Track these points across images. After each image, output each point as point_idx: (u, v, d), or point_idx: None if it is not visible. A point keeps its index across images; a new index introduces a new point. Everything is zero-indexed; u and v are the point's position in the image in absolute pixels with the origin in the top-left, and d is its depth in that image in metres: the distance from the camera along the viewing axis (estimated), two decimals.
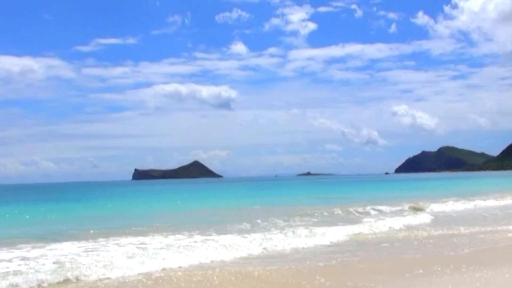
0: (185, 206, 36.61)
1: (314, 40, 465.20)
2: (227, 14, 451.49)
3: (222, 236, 16.75)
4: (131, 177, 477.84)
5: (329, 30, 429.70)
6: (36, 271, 11.32)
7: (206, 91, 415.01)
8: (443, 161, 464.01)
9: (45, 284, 10.59)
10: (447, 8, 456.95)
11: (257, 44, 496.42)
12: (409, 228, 19.32)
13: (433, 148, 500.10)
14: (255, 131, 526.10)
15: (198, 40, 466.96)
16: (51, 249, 14.87)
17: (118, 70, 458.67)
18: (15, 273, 11.23)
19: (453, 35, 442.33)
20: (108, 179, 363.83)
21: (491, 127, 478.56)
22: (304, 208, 29.61)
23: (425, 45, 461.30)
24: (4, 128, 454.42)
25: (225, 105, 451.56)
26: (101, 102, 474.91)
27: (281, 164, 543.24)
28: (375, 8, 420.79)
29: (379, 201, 33.47)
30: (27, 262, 12.67)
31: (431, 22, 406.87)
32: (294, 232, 17.32)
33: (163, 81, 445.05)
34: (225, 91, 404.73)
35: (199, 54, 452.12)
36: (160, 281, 10.91)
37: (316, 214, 25.47)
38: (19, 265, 12.41)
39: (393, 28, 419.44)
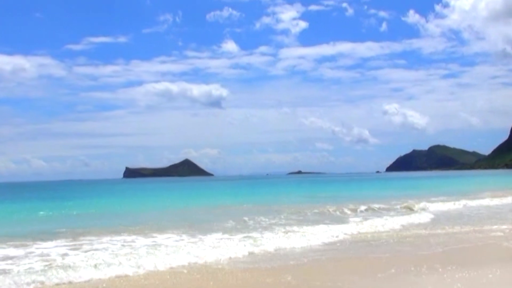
0: (173, 205, 36.48)
1: (305, 38, 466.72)
2: (218, 12, 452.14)
3: (208, 236, 16.72)
4: (122, 176, 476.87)
5: (320, 28, 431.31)
6: (25, 271, 11.26)
7: (197, 89, 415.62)
8: (434, 160, 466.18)
9: (34, 285, 10.41)
10: (438, 7, 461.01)
11: (248, 43, 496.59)
12: (396, 227, 19.23)
13: (424, 147, 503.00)
14: (246, 130, 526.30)
15: (189, 38, 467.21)
16: (38, 248, 14.83)
17: (109, 69, 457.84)
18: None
19: (444, 34, 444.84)
20: (99, 178, 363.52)
21: (482, 126, 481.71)
22: (292, 206, 29.71)
23: (416, 43, 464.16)
24: None
25: (216, 103, 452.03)
26: (92, 101, 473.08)
27: (272, 163, 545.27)
28: (366, 7, 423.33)
29: (367, 200, 33.47)
30: (14, 261, 12.64)
31: (422, 20, 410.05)
32: (277, 232, 17.26)
33: (154, 80, 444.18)
34: (216, 90, 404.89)
35: (190, 53, 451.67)
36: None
37: (303, 213, 25.45)
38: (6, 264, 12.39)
39: (384, 26, 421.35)
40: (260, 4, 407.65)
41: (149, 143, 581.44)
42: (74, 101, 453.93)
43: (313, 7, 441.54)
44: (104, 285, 10.57)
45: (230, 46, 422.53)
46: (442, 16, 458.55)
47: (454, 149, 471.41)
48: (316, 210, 26.44)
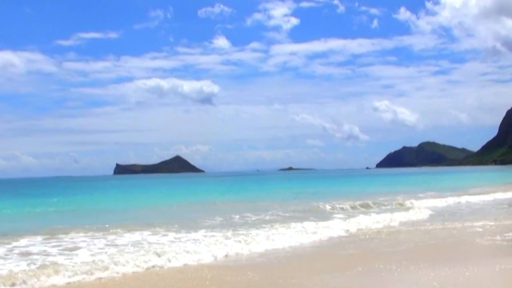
0: (162, 201, 36.36)
1: (297, 35, 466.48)
2: (209, 8, 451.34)
3: (192, 234, 16.59)
4: (112, 172, 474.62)
5: (311, 25, 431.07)
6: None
7: (188, 86, 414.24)
8: (423, 156, 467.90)
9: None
10: (428, 4, 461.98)
11: (239, 39, 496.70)
12: (378, 225, 19.13)
13: (414, 143, 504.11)
14: (237, 126, 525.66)
15: (180, 34, 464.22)
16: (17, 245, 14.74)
17: (100, 65, 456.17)
18: None
19: (434, 31, 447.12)
20: (89, 174, 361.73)
21: (471, 122, 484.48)
22: (280, 203, 29.73)
23: (406, 40, 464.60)
24: None
25: (207, 100, 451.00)
26: (83, 97, 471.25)
27: (263, 159, 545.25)
28: (357, 4, 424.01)
29: (355, 196, 33.64)
30: None
31: (413, 17, 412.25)
32: (258, 228, 17.37)
33: (144, 76, 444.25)
34: (207, 86, 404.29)
35: (181, 49, 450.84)
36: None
37: (289, 209, 25.41)
38: None
39: (375, 23, 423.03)
40: (251, 0, 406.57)
41: (140, 139, 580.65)
42: (64, 97, 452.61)
43: (304, 4, 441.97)
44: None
45: (221, 42, 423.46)
46: (433, 13, 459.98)
47: (444, 146, 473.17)
48: (302, 207, 26.46)
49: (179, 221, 20.15)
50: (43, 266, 11.17)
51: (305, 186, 60.68)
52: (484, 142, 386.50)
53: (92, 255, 12.98)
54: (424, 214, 22.46)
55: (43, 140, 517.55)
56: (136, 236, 16.51)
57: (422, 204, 27.21)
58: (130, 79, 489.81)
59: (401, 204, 26.86)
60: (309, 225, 18.24)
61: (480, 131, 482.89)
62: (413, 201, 28.36)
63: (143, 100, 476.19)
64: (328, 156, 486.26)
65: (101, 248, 14.15)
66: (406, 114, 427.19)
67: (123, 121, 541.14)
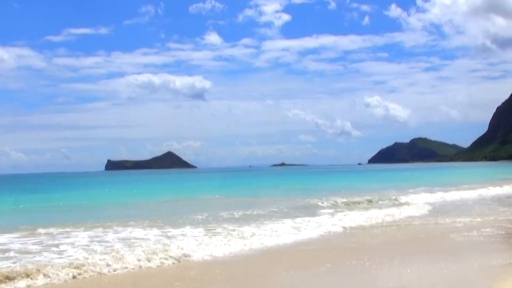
0: (151, 197, 36.01)
1: (288, 31, 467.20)
2: (200, 4, 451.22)
3: (175, 230, 16.29)
4: (103, 168, 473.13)
5: (303, 21, 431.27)
6: None
7: (179, 81, 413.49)
8: (415, 152, 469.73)
9: None
10: (419, 1, 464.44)
11: (231, 35, 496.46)
12: (362, 222, 18.74)
13: (406, 139, 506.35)
14: (229, 122, 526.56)
15: (171, 30, 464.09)
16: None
17: (90, 60, 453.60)
18: None
19: (425, 28, 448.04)
20: (80, 170, 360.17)
21: (462, 119, 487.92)
22: (269, 199, 29.74)
23: (397, 37, 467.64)
24: None
25: (199, 95, 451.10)
26: (73, 92, 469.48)
27: (255, 155, 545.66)
28: (348, 0, 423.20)
29: (345, 192, 33.60)
30: None
31: (404, 14, 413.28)
32: (241, 225, 17.17)
33: (136, 71, 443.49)
34: (199, 82, 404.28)
35: (172, 45, 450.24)
36: None
37: (277, 205, 25.13)
38: None
39: (366, 20, 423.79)
40: None
41: (131, 135, 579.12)
42: (54, 92, 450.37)
43: (296, 0, 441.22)
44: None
45: (213, 38, 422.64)
46: (424, 10, 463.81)
47: (435, 142, 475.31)
48: (292, 203, 26.29)
49: (163, 217, 19.90)
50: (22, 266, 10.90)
51: (297, 182, 60.57)
52: (474, 138, 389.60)
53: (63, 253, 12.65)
54: (410, 210, 22.28)
55: (33, 136, 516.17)
56: (111, 233, 16.04)
57: (409, 200, 27.06)
58: (121, 74, 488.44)
59: (390, 200, 26.73)
60: (293, 221, 18.02)
61: (470, 127, 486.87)
62: (402, 197, 28.28)
63: (135, 95, 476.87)
64: (320, 151, 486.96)
65: (73, 246, 13.73)
66: (398, 110, 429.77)
67: (115, 116, 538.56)
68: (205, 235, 14.94)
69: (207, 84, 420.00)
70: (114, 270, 10.91)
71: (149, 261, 11.59)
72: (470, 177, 60.93)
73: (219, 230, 16.04)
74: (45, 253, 12.65)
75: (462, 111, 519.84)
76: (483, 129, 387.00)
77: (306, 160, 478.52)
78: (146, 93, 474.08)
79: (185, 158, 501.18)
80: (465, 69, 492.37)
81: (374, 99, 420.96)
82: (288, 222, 17.89)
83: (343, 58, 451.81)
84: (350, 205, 24.48)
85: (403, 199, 27.39)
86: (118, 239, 14.72)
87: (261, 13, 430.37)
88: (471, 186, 37.46)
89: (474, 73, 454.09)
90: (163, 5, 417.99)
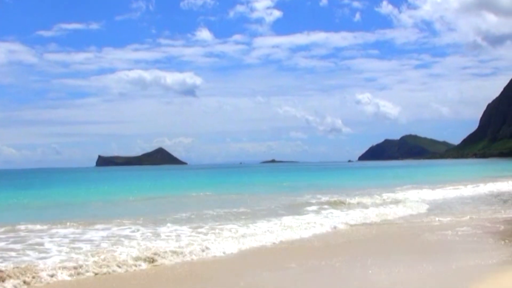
0: (138, 194, 35.70)
1: (279, 27, 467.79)
2: (192, 0, 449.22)
3: (156, 229, 16.08)
4: (94, 164, 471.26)
5: (294, 18, 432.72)
6: None
7: (170, 77, 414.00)
8: (405, 150, 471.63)
9: None
10: None
11: (222, 31, 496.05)
12: (338, 224, 18.03)
13: (396, 136, 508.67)
14: (220, 119, 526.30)
15: (162, 26, 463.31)
16: None
17: (81, 56, 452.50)
18: None
19: (416, 25, 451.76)
20: (71, 166, 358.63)
21: (452, 116, 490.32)
22: (257, 195, 29.71)
23: (389, 34, 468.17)
24: None
25: (190, 92, 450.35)
26: (64, 88, 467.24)
27: (245, 152, 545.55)
28: None
29: (332, 190, 33.63)
30: None
31: (395, 11, 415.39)
32: (227, 223, 16.99)
33: (127, 67, 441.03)
34: (190, 78, 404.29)
35: (163, 41, 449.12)
36: None
37: (263, 203, 25.14)
38: None
39: (357, 16, 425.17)
40: None
41: (122, 131, 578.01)
42: (45, 88, 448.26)
43: None
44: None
45: (204, 34, 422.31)
46: (415, 7, 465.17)
47: (425, 139, 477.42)
48: (279, 201, 26.20)
49: (146, 215, 19.75)
50: None
51: (286, 179, 60.53)
52: (465, 136, 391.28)
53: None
54: (396, 209, 22.21)
55: (24, 131, 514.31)
56: (92, 232, 15.78)
57: (396, 198, 26.94)
58: (112, 70, 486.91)
59: (374, 198, 26.56)
60: (278, 220, 17.90)
61: (461, 124, 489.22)
62: (388, 194, 28.17)
63: (126, 91, 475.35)
64: (311, 148, 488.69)
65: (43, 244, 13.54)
66: (388, 107, 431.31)
67: (105, 112, 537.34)
68: (187, 235, 14.74)
69: (198, 80, 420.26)
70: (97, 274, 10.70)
71: (119, 266, 11.06)
72: (458, 175, 61.11)
73: (201, 230, 15.78)
74: (28, 252, 12.46)
75: (453, 108, 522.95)
76: (474, 126, 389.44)
77: (297, 157, 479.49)
78: (137, 89, 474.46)
79: (175, 154, 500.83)
80: (456, 66, 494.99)
81: (364, 96, 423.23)
82: (273, 220, 17.78)
83: (334, 55, 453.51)
84: (337, 204, 24.26)
85: (389, 197, 27.23)
86: (102, 237, 14.54)
87: (252, 9, 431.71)
88: (458, 184, 37.45)
89: (465, 70, 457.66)
90: (154, 1, 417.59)
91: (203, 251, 12.60)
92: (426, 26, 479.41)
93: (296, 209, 21.94)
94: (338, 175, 75.17)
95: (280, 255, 12.41)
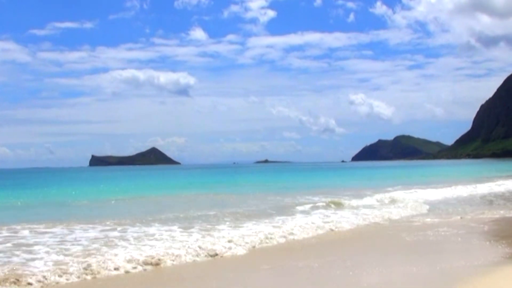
0: (128, 194, 35.63)
1: (273, 28, 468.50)
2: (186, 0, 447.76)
3: (142, 230, 16.04)
4: (88, 164, 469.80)
5: (288, 18, 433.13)
6: None
7: (164, 77, 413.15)
8: (399, 150, 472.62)
9: None
10: None
11: (216, 31, 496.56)
12: (322, 224, 17.79)
13: (390, 136, 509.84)
14: (214, 118, 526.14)
15: (156, 25, 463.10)
16: None
17: (75, 55, 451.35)
18: None
19: (410, 26, 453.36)
20: (64, 165, 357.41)
21: (446, 116, 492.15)
22: (245, 197, 29.77)
23: (382, 34, 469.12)
24: None
25: (184, 91, 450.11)
26: (57, 87, 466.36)
27: (239, 152, 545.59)
28: None
29: (324, 190, 33.71)
30: None
31: (389, 12, 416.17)
32: (217, 220, 17.00)
33: (120, 67, 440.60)
34: (184, 78, 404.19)
35: (157, 40, 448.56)
36: None
37: (254, 203, 25.11)
38: None
39: (351, 17, 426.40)
40: None
41: (116, 131, 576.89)
42: (38, 87, 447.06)
43: None
44: None
45: (198, 34, 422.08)
46: (409, 8, 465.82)
47: (419, 139, 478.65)
48: (269, 201, 26.26)
49: (137, 215, 19.70)
50: None
51: (278, 179, 60.62)
52: (458, 136, 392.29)
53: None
54: (381, 210, 22.16)
55: (17, 131, 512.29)
56: (82, 232, 15.63)
57: (386, 198, 26.92)
58: (105, 69, 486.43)
59: (365, 199, 26.64)
60: (268, 221, 17.92)
61: (454, 125, 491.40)
62: (379, 195, 28.10)
63: (119, 91, 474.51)
64: (304, 149, 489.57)
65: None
66: (382, 108, 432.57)
67: (99, 112, 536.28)
68: (171, 237, 14.62)
69: (191, 80, 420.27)
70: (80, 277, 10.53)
71: (109, 270, 10.84)
72: (450, 175, 61.40)
73: (187, 231, 15.72)
74: (16, 253, 12.33)
75: (446, 109, 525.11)
76: (467, 127, 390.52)
77: (290, 157, 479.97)
78: (131, 89, 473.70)
79: (169, 154, 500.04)
80: (449, 67, 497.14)
81: (358, 97, 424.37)
82: (265, 221, 17.77)
83: (328, 56, 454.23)
84: (328, 205, 24.19)
85: (380, 197, 27.18)
86: (93, 238, 14.40)
87: (246, 9, 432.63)
88: (449, 185, 37.56)
89: (459, 71, 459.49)
90: (148, 0, 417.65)
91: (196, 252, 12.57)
92: (420, 27, 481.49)
93: (286, 210, 21.92)
94: (331, 175, 75.22)
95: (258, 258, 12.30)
